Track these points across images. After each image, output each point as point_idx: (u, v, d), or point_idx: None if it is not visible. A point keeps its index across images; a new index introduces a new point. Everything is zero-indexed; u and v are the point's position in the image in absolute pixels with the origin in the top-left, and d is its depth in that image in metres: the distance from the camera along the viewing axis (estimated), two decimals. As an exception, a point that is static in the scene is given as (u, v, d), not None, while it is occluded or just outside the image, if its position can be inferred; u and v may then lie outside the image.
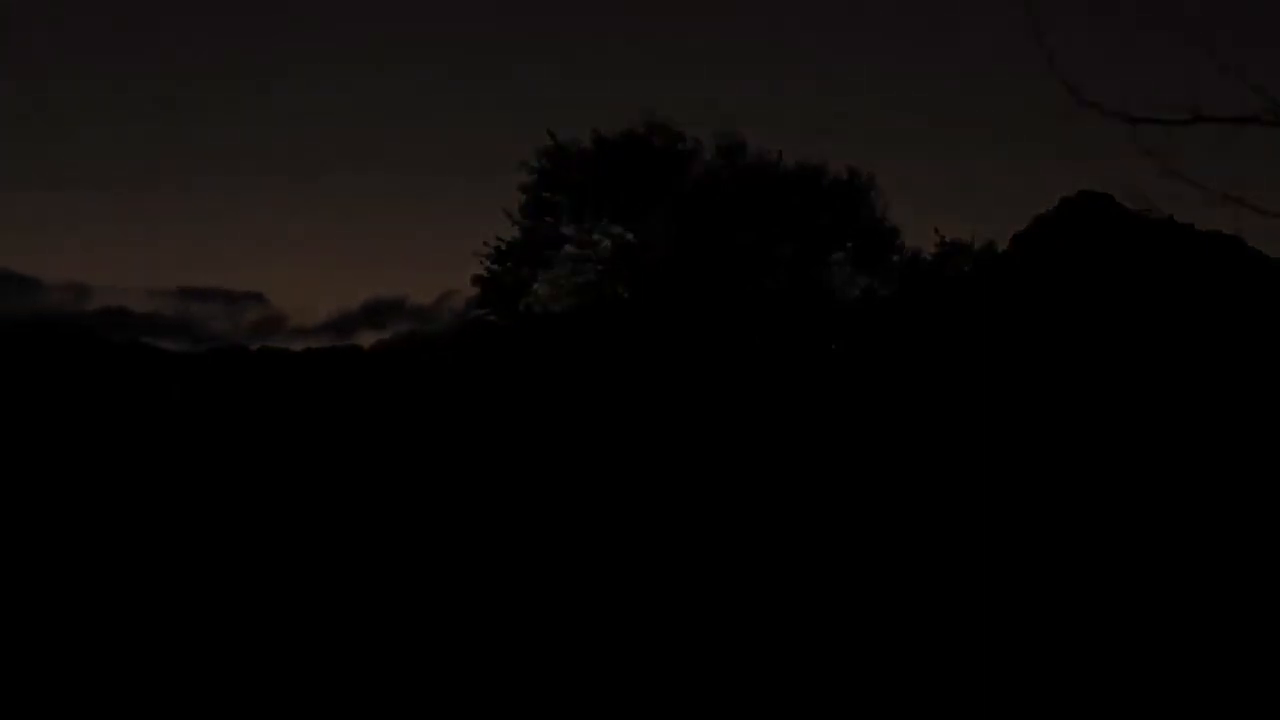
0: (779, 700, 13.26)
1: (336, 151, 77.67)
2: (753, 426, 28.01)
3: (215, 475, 28.53)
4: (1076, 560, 19.92)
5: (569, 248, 32.59)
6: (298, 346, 39.86)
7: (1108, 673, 13.99)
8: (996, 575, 18.98)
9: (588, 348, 30.77)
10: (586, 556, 21.72)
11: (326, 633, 16.85)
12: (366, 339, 43.05)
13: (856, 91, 78.91)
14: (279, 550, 23.26)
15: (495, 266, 32.37)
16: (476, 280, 32.45)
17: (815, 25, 79.71)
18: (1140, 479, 23.26)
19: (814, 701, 13.17)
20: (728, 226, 32.05)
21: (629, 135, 32.54)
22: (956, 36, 77.87)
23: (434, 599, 18.98)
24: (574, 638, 16.18)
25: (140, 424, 31.62)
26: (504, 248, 32.35)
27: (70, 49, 79.52)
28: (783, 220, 32.48)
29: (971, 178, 71.28)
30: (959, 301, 29.95)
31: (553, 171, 32.57)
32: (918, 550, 21.11)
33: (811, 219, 32.60)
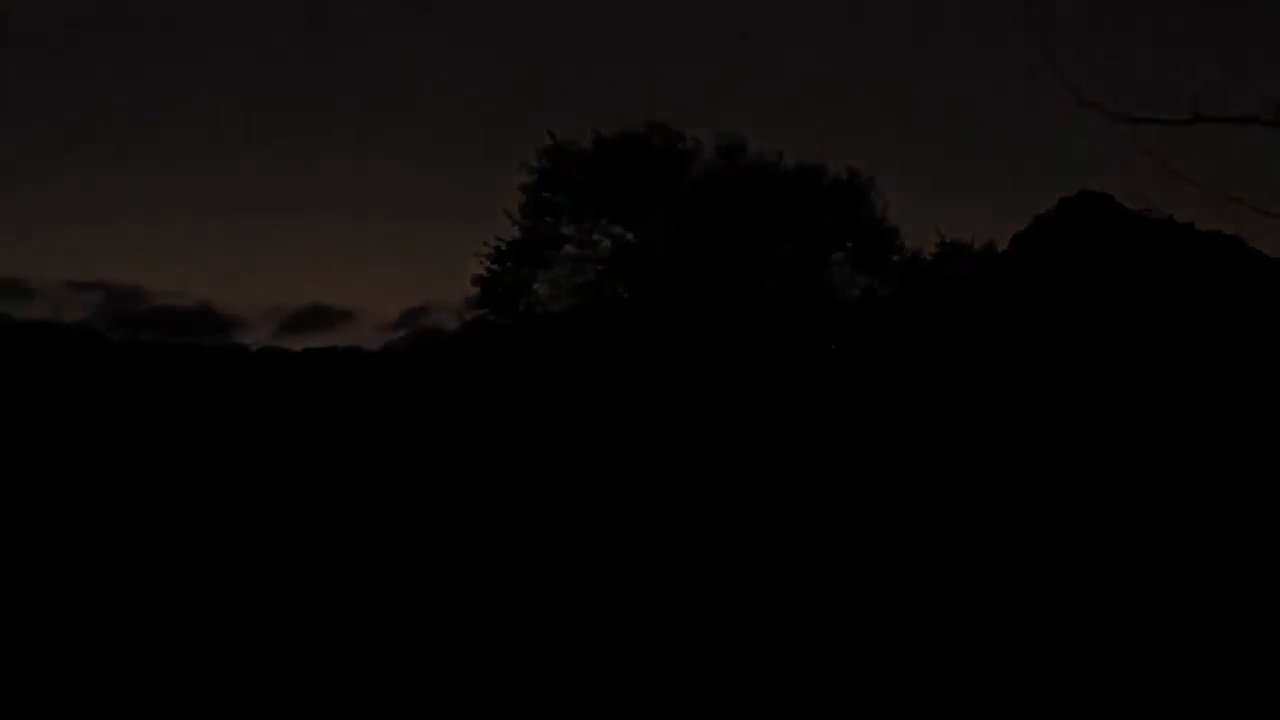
0: (779, 700, 13.27)
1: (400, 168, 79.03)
2: (753, 426, 28.02)
3: (214, 475, 28.53)
4: (1077, 560, 19.92)
5: (569, 248, 32.65)
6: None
7: (1108, 673, 14.00)
8: (997, 575, 18.98)
9: (588, 348, 30.78)
10: (587, 556, 21.73)
11: (327, 631, 16.85)
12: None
13: (857, 91, 78.83)
14: (277, 550, 23.26)
15: (495, 266, 32.44)
16: (476, 280, 32.53)
17: (815, 24, 79.62)
18: (1141, 479, 23.27)
19: (814, 701, 13.18)
20: (728, 226, 32.07)
21: (629, 135, 32.58)
22: (956, 36, 77.80)
23: (433, 598, 18.98)
24: (575, 636, 16.19)
25: (139, 423, 31.63)
26: (504, 248, 32.41)
27: (193, 87, 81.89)
28: (783, 220, 32.51)
29: (971, 178, 71.22)
30: (959, 301, 29.96)
31: (553, 171, 32.61)
32: (918, 550, 21.11)
33: (811, 219, 32.63)
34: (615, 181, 32.12)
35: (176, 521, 25.44)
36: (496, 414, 29.64)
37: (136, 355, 36.91)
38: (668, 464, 26.56)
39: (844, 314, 32.54)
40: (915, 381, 27.82)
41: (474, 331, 33.16)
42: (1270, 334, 26.46)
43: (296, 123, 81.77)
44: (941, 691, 13.36)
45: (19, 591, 19.57)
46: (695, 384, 29.39)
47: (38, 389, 33.06)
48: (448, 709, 13.50)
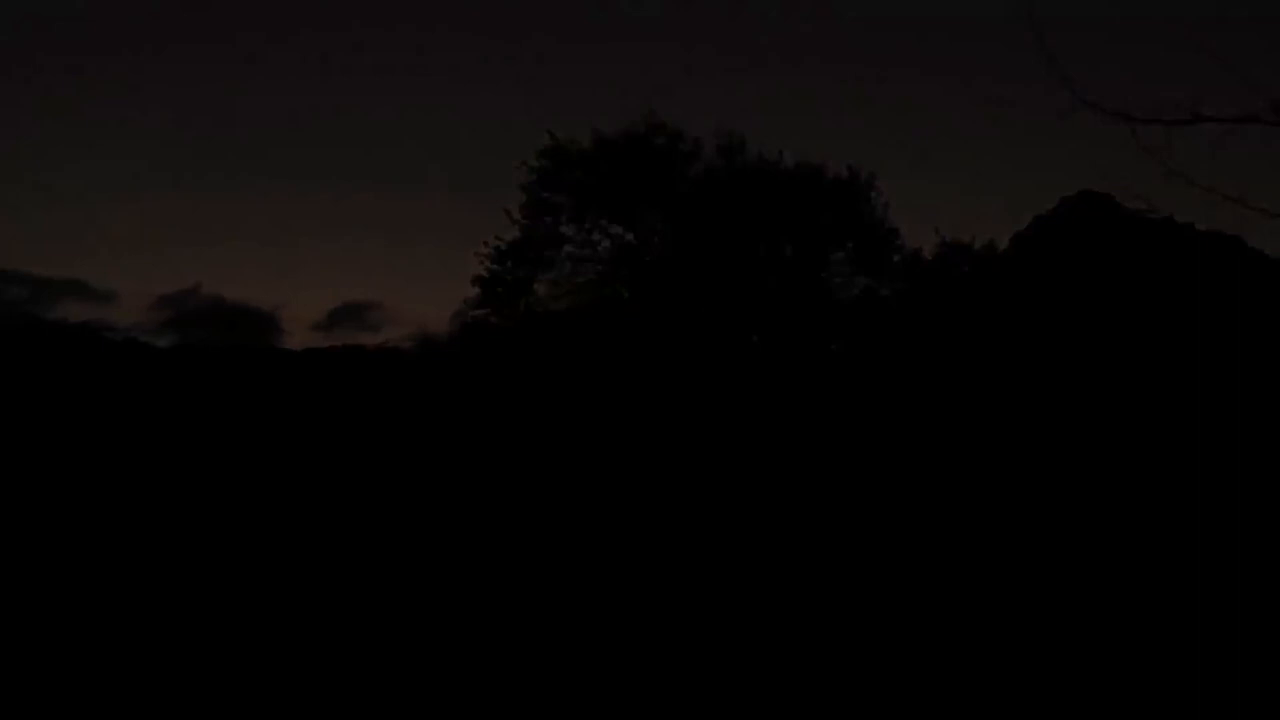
0: (779, 700, 13.27)
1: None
2: (753, 426, 28.02)
3: (213, 476, 28.52)
4: (1077, 560, 19.93)
5: (569, 248, 32.66)
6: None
7: (1108, 673, 14.01)
8: (997, 576, 18.99)
9: (588, 348, 30.78)
10: (587, 555, 21.74)
11: (325, 633, 16.86)
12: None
13: (857, 90, 78.86)
14: (276, 552, 23.27)
15: (495, 266, 32.45)
16: (476, 280, 32.54)
17: (814, 24, 79.68)
18: (1141, 479, 23.26)
19: (814, 701, 13.18)
20: (728, 226, 32.06)
21: (629, 135, 32.58)
22: (956, 35, 77.79)
23: (434, 599, 18.99)
24: (574, 637, 16.19)
25: (137, 423, 31.63)
26: (504, 248, 32.42)
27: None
28: (783, 220, 32.51)
29: (971, 178, 71.21)
30: (959, 301, 29.96)
31: (553, 171, 32.61)
32: (918, 550, 21.12)
33: (811, 219, 32.62)
34: (615, 181, 32.13)
35: (172, 524, 25.44)
36: (496, 414, 29.65)
37: (135, 356, 36.91)
38: (668, 463, 26.57)
39: (844, 314, 32.54)
40: (915, 382, 27.83)
41: (474, 331, 33.17)
42: (1270, 334, 26.45)
43: (348, 142, 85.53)
44: (942, 691, 13.37)
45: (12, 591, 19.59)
46: (695, 384, 29.38)
47: (27, 389, 33.05)
48: (449, 707, 13.51)
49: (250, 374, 35.54)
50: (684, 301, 31.57)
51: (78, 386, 33.26)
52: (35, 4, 78.30)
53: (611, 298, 32.40)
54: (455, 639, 16.38)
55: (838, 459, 26.10)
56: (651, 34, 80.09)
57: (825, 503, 24.35)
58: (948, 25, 79.96)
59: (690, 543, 22.28)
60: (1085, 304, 27.86)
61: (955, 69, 77.48)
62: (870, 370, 29.41)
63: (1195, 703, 12.79)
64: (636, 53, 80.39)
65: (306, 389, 34.11)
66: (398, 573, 21.12)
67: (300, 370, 36.18)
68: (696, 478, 25.87)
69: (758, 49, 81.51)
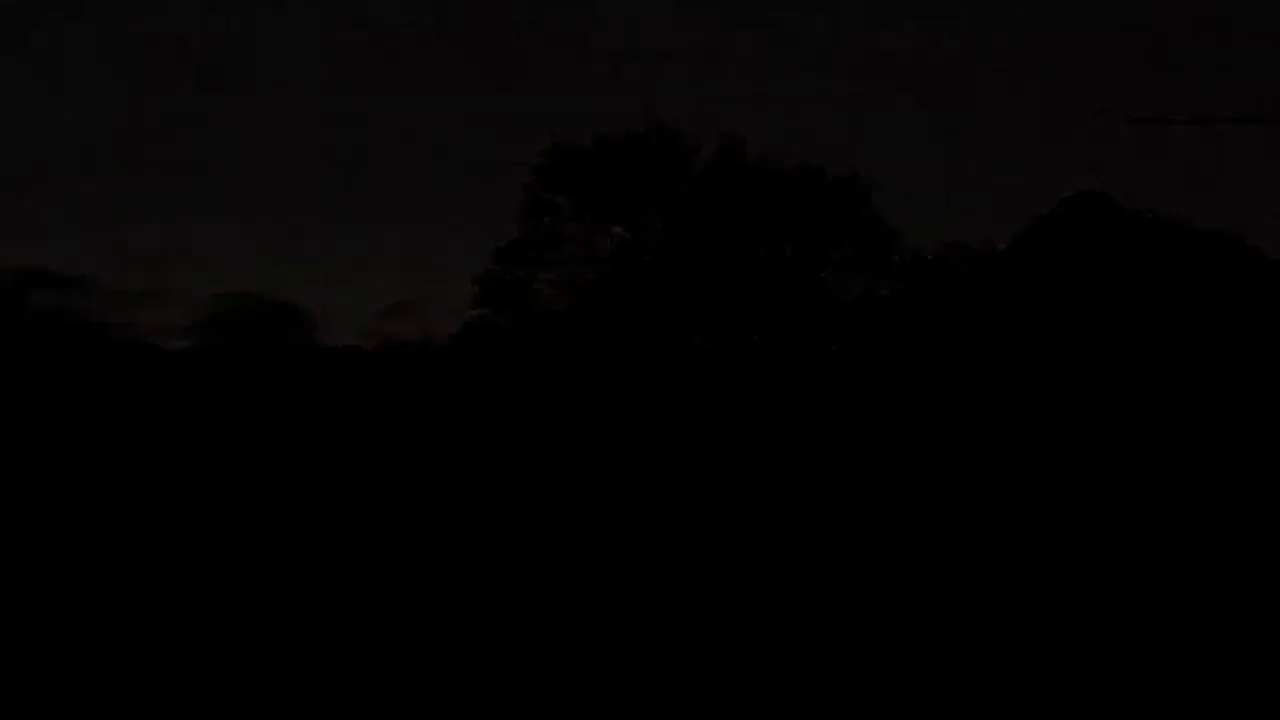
0: (779, 701, 13.28)
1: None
2: (753, 427, 28.03)
3: (213, 475, 28.51)
4: (1077, 561, 19.92)
5: (569, 247, 32.68)
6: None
7: (1108, 674, 14.01)
8: (997, 575, 18.97)
9: (588, 348, 30.80)
10: (586, 556, 21.72)
11: (325, 634, 16.85)
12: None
13: (857, 90, 78.99)
14: (276, 552, 23.24)
15: (495, 266, 32.49)
16: (476, 280, 32.58)
17: (814, 24, 79.84)
18: (1141, 478, 23.27)
19: (813, 703, 13.19)
20: (728, 226, 32.09)
21: (629, 135, 32.62)
22: (957, 36, 77.92)
23: (434, 600, 18.98)
24: (574, 638, 16.19)
25: (137, 422, 31.62)
26: (504, 247, 32.47)
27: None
28: (783, 220, 32.53)
29: (971, 178, 71.32)
30: (959, 301, 29.98)
31: (553, 171, 32.64)
32: (917, 551, 21.11)
33: (811, 219, 32.64)
34: (615, 181, 32.15)
35: (173, 523, 25.42)
36: (496, 414, 29.65)
37: (135, 355, 36.92)
38: (668, 464, 26.57)
39: (844, 314, 32.56)
40: (915, 381, 27.85)
41: (474, 331, 33.19)
42: (1270, 334, 26.48)
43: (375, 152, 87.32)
44: (941, 693, 13.38)
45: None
46: (695, 384, 29.40)
47: (32, 385, 33.05)
48: (445, 707, 13.51)
49: (245, 375, 35.56)
50: (684, 301, 31.59)
51: (58, 387, 33.25)
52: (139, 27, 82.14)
53: (611, 298, 32.43)
54: (455, 638, 16.38)
55: (838, 459, 26.11)
56: (652, 34, 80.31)
57: (825, 502, 24.35)
58: (949, 25, 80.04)
59: (690, 542, 22.28)
60: (1085, 303, 27.88)
61: (957, 68, 77.61)
62: (870, 370, 29.43)
63: (1195, 703, 12.79)
64: (636, 53, 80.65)
65: (302, 389, 34.10)
66: (393, 572, 21.11)
67: (298, 371, 36.18)
68: (697, 477, 25.87)
69: (758, 48, 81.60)
